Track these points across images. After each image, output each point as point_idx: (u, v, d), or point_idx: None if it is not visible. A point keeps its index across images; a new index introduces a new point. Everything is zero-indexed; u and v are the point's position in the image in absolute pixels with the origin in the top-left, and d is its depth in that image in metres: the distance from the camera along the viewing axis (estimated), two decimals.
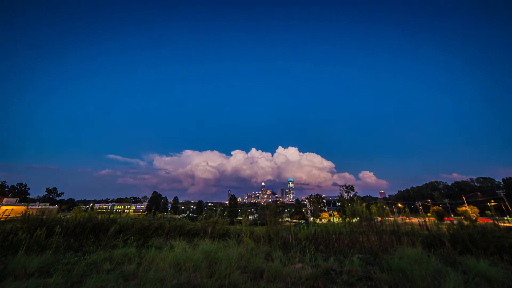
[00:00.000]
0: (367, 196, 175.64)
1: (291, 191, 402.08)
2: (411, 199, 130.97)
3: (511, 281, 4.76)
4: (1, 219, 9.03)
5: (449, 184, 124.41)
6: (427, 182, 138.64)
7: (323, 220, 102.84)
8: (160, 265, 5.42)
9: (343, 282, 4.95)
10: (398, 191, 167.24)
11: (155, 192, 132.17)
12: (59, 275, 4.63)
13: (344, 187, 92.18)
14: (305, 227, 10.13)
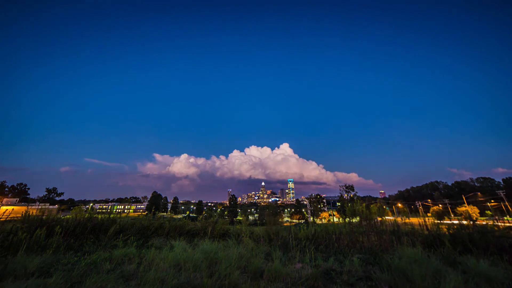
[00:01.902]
0: (367, 196, 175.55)
1: (291, 191, 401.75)
2: (411, 199, 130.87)
3: (511, 281, 4.75)
4: (1, 219, 9.02)
5: (449, 184, 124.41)
6: (427, 182, 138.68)
7: (323, 220, 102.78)
8: (160, 265, 5.41)
9: (343, 282, 4.95)
10: (398, 191, 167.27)
11: (155, 192, 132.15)
12: (59, 275, 4.62)
13: (344, 187, 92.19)
14: (305, 227, 10.13)
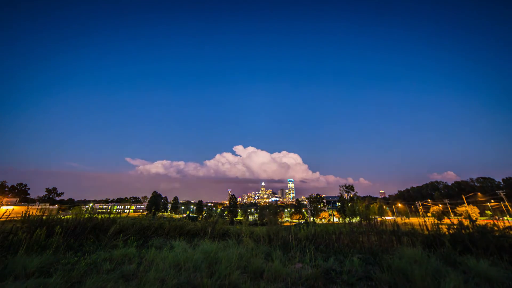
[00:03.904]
0: (367, 196, 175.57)
1: (291, 191, 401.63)
2: (411, 199, 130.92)
3: (511, 281, 4.75)
4: (1, 219, 9.03)
5: (449, 184, 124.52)
6: (427, 182, 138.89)
7: (323, 220, 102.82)
8: (160, 265, 5.41)
9: (343, 282, 4.95)
10: (398, 191, 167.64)
11: (155, 192, 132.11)
12: (59, 275, 4.62)
13: (344, 187, 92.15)
14: (305, 227, 10.13)
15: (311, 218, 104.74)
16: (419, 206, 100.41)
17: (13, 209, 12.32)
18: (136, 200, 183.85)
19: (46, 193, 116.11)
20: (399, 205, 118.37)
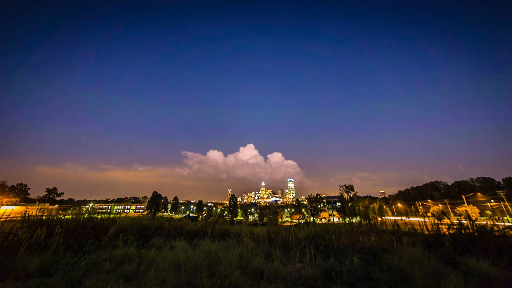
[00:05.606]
0: (367, 196, 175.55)
1: (291, 191, 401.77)
2: (411, 199, 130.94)
3: (511, 281, 4.76)
4: (1, 219, 9.03)
5: (449, 184, 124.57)
6: (427, 182, 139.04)
7: (323, 220, 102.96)
8: (160, 265, 5.42)
9: (343, 282, 4.95)
10: (398, 191, 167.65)
11: (155, 192, 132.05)
12: (59, 275, 4.63)
13: (344, 187, 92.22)
14: (305, 227, 10.13)
15: (311, 218, 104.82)
16: (419, 206, 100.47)
17: (13, 209, 12.32)
18: (136, 200, 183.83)
19: (46, 193, 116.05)
20: (399, 205, 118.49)
